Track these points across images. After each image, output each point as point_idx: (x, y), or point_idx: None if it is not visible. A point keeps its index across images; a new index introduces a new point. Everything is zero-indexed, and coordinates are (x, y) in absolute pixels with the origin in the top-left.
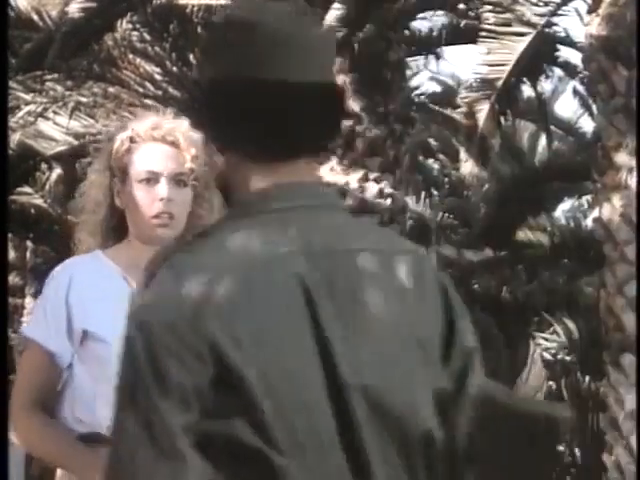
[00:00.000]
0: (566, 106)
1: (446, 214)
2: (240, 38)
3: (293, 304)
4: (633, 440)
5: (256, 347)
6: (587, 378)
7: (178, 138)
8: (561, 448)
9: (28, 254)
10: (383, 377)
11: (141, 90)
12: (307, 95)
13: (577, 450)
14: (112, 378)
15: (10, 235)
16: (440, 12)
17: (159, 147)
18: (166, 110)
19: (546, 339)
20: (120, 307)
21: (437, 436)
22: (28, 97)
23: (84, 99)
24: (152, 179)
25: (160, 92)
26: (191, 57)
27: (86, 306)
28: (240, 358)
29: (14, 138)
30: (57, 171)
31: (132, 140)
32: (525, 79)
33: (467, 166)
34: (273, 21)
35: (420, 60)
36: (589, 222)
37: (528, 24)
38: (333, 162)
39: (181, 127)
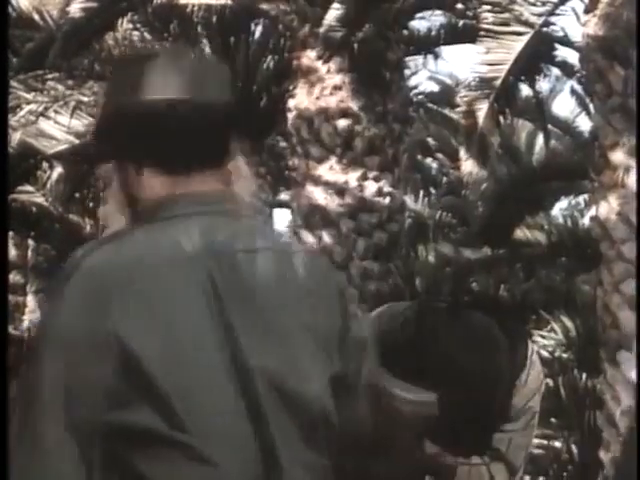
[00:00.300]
0: (563, 105)
1: (444, 213)
2: (145, 69)
3: (198, 298)
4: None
5: (162, 338)
6: (584, 375)
7: None
8: (558, 444)
9: (29, 252)
10: (282, 361)
11: None
12: (203, 114)
13: (574, 447)
14: None
15: (11, 233)
16: (438, 12)
17: None
18: None
19: (543, 337)
20: None
21: (332, 415)
22: (29, 96)
23: (85, 98)
24: None
25: None
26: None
27: None
28: (144, 348)
29: (15, 137)
30: (58, 170)
31: None
32: (523, 78)
33: (467, 165)
34: (171, 54)
35: (419, 59)
36: (586, 221)
37: (526, 24)
38: (332, 161)
39: None
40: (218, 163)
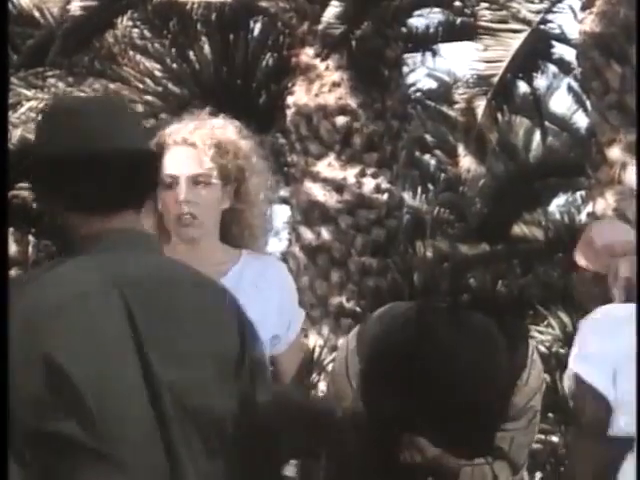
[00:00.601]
0: (561, 102)
1: (442, 209)
2: (71, 120)
3: (117, 323)
4: None
5: (85, 357)
6: None
7: (195, 139)
8: (555, 439)
9: (30, 249)
10: (187, 378)
11: (141, 86)
12: (126, 160)
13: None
14: None
15: (12, 230)
16: (436, 9)
17: (179, 150)
18: (204, 109)
19: (541, 332)
20: None
21: (230, 427)
22: (30, 93)
23: (85, 95)
24: (173, 182)
25: (160, 88)
26: (191, 54)
27: None
28: (71, 367)
29: (16, 134)
30: None
31: (159, 146)
32: (521, 75)
33: (464, 162)
34: (93, 106)
35: (417, 57)
36: (583, 217)
37: (523, 21)
38: (331, 157)
39: (205, 127)
40: (136, 204)
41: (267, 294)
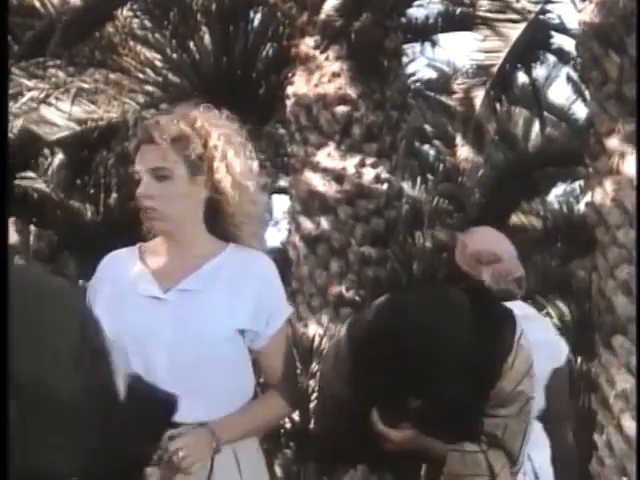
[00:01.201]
0: (559, 92)
1: (441, 199)
2: None
3: None
4: (623, 420)
5: None
6: (579, 359)
7: (155, 134)
8: None
9: (31, 238)
10: (38, 367)
11: (141, 76)
12: None
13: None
14: None
15: (14, 219)
16: (436, 0)
17: (145, 145)
18: (190, 101)
19: None
20: None
21: (75, 407)
22: (30, 83)
23: (86, 85)
24: (139, 178)
25: (160, 78)
26: (191, 44)
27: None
28: None
29: (17, 124)
30: (59, 156)
31: (138, 140)
32: (519, 65)
33: (463, 151)
34: None
35: (416, 47)
36: (581, 206)
37: (522, 11)
38: (330, 147)
39: (168, 121)
40: None
41: (242, 289)
